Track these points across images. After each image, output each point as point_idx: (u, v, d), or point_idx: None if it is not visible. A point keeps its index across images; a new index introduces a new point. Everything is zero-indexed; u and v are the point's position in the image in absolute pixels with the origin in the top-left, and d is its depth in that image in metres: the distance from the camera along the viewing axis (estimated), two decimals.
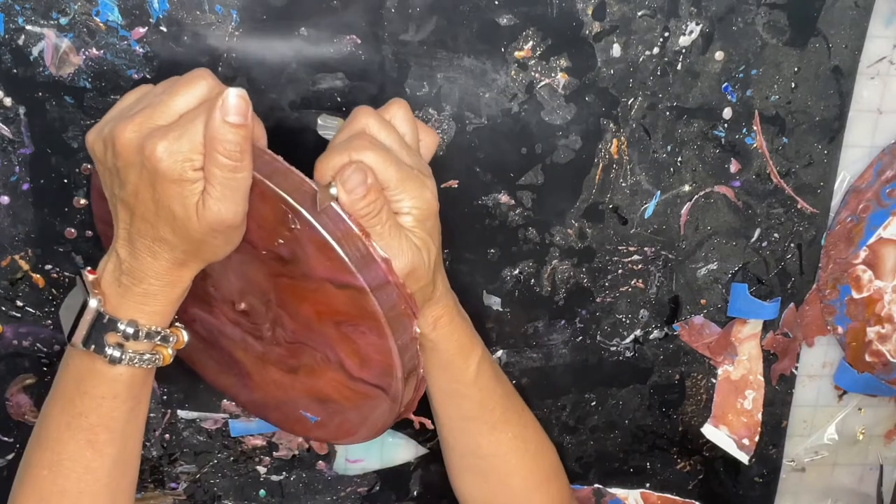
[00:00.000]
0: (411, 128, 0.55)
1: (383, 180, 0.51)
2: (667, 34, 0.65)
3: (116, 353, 0.52)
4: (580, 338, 0.74)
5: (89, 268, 0.54)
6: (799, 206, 0.72)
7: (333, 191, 0.51)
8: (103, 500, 0.55)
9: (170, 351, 0.54)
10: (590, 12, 0.64)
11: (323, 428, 0.61)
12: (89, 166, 0.62)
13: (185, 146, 0.47)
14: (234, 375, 0.62)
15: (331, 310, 0.53)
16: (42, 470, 0.54)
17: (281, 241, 0.51)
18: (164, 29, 0.60)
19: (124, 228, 0.51)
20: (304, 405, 0.61)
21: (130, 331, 0.51)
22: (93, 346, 0.52)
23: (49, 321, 0.67)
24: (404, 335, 0.53)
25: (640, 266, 0.72)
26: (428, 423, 0.66)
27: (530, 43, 0.64)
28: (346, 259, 0.50)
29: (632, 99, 0.67)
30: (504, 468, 0.67)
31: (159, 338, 0.53)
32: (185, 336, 0.56)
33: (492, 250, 0.70)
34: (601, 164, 0.68)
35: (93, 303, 0.51)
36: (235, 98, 0.46)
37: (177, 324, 0.56)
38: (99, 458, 0.54)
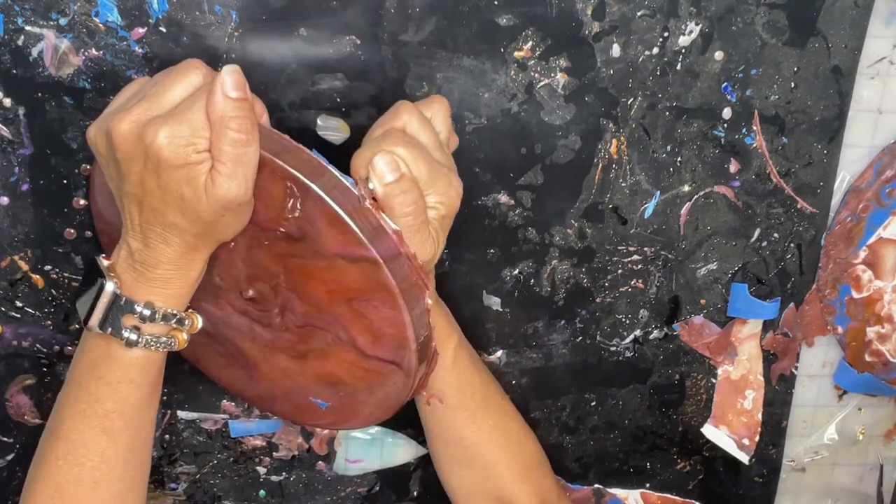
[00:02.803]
0: (447, 127, 0.57)
1: (414, 176, 0.52)
2: (666, 34, 0.65)
3: (133, 336, 0.52)
4: (580, 338, 0.74)
5: (103, 255, 0.54)
6: (799, 206, 0.72)
7: (371, 184, 0.51)
8: (118, 489, 0.55)
9: (185, 335, 0.55)
10: (589, 12, 0.64)
11: (334, 413, 0.61)
12: (88, 167, 0.62)
13: (187, 131, 0.48)
14: (240, 368, 0.62)
15: (342, 286, 0.53)
16: (57, 460, 0.54)
17: (291, 219, 0.51)
18: (164, 29, 0.60)
19: (133, 220, 0.52)
20: (313, 391, 0.60)
21: (147, 313, 0.52)
22: (109, 329, 0.52)
23: (49, 322, 0.67)
24: (417, 307, 0.54)
25: (639, 266, 0.72)
26: (441, 399, 0.65)
27: (530, 43, 0.64)
28: (359, 231, 0.50)
29: (631, 99, 0.67)
30: (488, 457, 0.67)
31: (175, 320, 0.53)
32: (199, 320, 0.56)
33: (491, 250, 0.70)
34: (601, 165, 0.68)
35: (109, 286, 0.52)
36: (230, 74, 0.48)
37: (190, 309, 0.56)
38: (114, 445, 0.54)
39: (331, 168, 0.51)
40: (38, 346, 0.68)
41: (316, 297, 0.55)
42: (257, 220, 0.53)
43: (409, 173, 0.52)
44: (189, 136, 0.48)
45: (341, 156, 0.60)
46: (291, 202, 0.51)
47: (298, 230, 0.52)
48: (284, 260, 0.54)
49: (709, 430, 0.79)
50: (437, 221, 0.55)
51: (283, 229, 0.52)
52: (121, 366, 0.53)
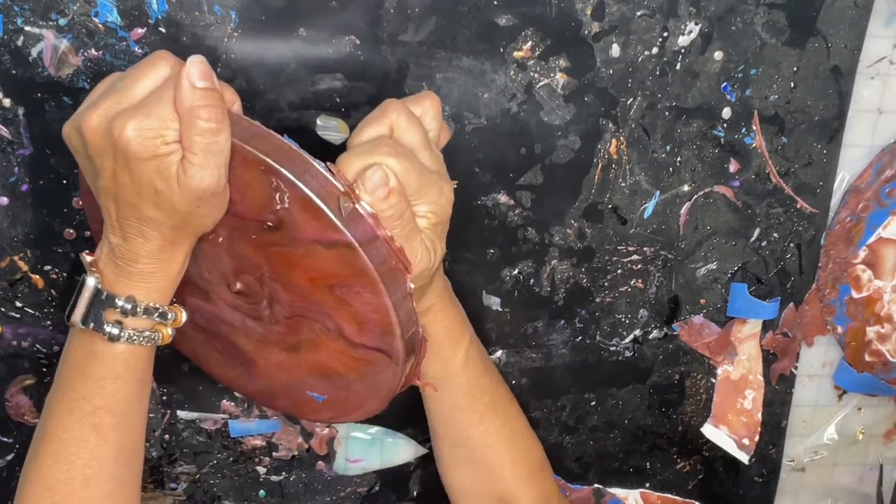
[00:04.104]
0: (437, 124, 0.56)
1: (404, 186, 0.52)
2: (666, 34, 0.65)
3: (115, 331, 0.52)
4: (580, 338, 0.74)
5: (87, 251, 0.54)
6: (798, 206, 0.72)
7: (357, 191, 0.51)
8: (109, 487, 0.55)
9: (169, 330, 0.55)
10: (589, 12, 0.64)
11: (331, 406, 0.61)
12: None
13: (155, 123, 0.48)
14: (238, 365, 0.62)
15: (323, 273, 0.53)
16: (47, 459, 0.54)
17: (270, 208, 0.51)
18: (163, 30, 0.60)
19: (111, 215, 0.52)
20: (309, 384, 0.60)
21: (128, 306, 0.52)
22: (91, 324, 0.52)
23: (48, 322, 0.67)
24: (398, 291, 0.53)
25: (639, 266, 0.72)
26: (435, 385, 0.65)
27: (529, 43, 0.64)
28: (331, 215, 0.50)
29: (631, 99, 0.67)
30: (494, 458, 0.67)
31: (157, 314, 0.53)
32: (183, 315, 0.56)
33: (491, 250, 0.70)
34: (600, 164, 0.68)
35: (90, 280, 0.52)
36: (195, 65, 0.48)
37: (175, 304, 0.56)
38: (104, 443, 0.54)
39: (302, 153, 0.51)
40: (37, 346, 0.68)
41: (299, 285, 0.55)
42: (235, 210, 0.53)
43: (398, 186, 0.51)
44: (157, 129, 0.48)
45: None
46: (265, 189, 0.51)
47: (275, 217, 0.52)
48: (265, 249, 0.54)
49: (709, 430, 0.79)
50: (430, 230, 0.54)
51: (260, 218, 0.52)
52: (106, 362, 0.53)
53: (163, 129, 0.48)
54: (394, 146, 0.52)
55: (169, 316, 0.54)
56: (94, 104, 0.50)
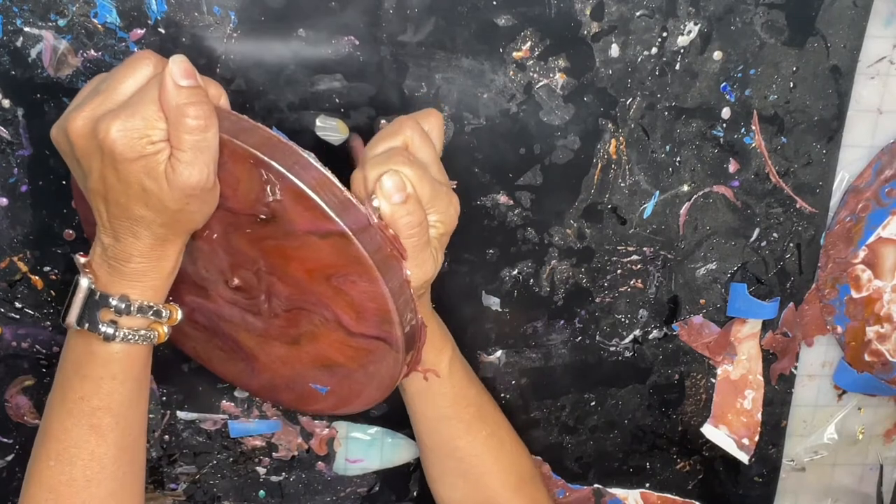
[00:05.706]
0: (441, 140, 0.58)
1: (419, 195, 0.53)
2: (665, 34, 0.65)
3: (110, 330, 0.52)
4: (579, 338, 0.74)
5: (81, 252, 0.54)
6: (798, 206, 0.72)
7: (375, 202, 0.51)
8: (111, 487, 0.55)
9: (165, 328, 0.55)
10: (588, 12, 0.64)
11: (334, 397, 0.61)
12: None
13: (140, 123, 0.48)
14: (241, 361, 0.63)
15: (319, 264, 0.53)
16: (48, 461, 0.54)
17: (258, 201, 0.51)
18: (163, 31, 0.60)
19: (102, 216, 0.52)
20: (312, 377, 0.61)
21: (122, 306, 0.52)
22: (87, 325, 0.52)
23: (48, 322, 0.67)
24: (394, 278, 0.53)
25: (638, 266, 0.72)
26: (438, 371, 0.65)
27: (528, 43, 0.64)
28: (323, 205, 0.50)
29: (630, 99, 0.67)
30: (482, 468, 0.67)
31: (152, 312, 0.53)
32: (178, 312, 0.56)
33: (491, 251, 0.70)
34: (600, 165, 0.68)
35: (84, 281, 0.52)
36: (177, 64, 0.48)
37: (170, 301, 0.56)
38: (104, 443, 0.54)
39: (291, 144, 0.51)
40: (37, 346, 0.68)
41: (296, 277, 0.55)
42: (227, 205, 0.53)
43: (414, 194, 0.52)
44: (142, 129, 0.48)
45: (340, 156, 0.60)
46: (256, 182, 0.51)
47: (268, 210, 0.52)
48: (260, 243, 0.54)
49: (708, 430, 0.79)
50: (437, 239, 0.55)
51: (253, 211, 0.52)
52: (102, 362, 0.53)
53: (148, 129, 0.48)
54: (408, 156, 0.53)
55: (164, 314, 0.54)
56: (78, 106, 0.50)
